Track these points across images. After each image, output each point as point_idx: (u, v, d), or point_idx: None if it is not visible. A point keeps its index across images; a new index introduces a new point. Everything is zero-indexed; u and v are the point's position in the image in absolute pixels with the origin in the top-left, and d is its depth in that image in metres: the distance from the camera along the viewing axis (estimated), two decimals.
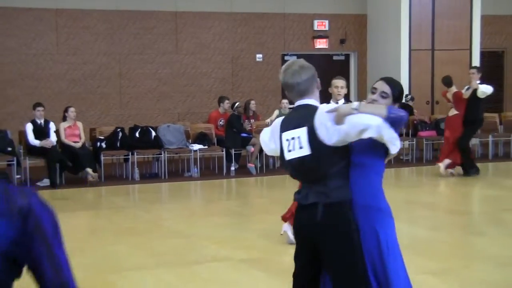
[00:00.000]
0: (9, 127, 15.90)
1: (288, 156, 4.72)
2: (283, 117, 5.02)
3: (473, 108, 15.48)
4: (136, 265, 8.45)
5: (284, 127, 4.78)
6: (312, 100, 4.82)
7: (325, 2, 21.25)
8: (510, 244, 9.55)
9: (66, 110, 15.66)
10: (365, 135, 4.56)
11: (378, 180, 4.89)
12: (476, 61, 21.00)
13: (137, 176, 16.06)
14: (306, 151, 4.60)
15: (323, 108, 4.78)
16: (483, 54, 21.43)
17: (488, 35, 21.73)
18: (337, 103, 8.53)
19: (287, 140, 4.72)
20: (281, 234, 9.13)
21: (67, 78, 18.35)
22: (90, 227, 11.60)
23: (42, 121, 15.28)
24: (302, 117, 4.74)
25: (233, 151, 16.72)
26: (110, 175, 16.19)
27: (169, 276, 7.99)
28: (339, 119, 4.54)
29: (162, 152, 16.41)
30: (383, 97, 4.88)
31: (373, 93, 4.96)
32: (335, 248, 4.68)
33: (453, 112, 15.91)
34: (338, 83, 9.25)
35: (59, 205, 13.09)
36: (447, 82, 16.34)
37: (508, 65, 23.24)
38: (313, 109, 4.77)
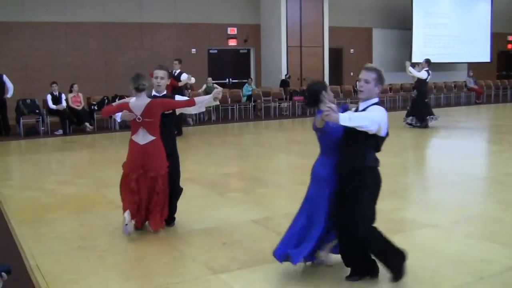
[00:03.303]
0: (37, 97, 15.60)
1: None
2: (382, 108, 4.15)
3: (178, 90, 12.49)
4: (118, 182, 8.45)
5: None
6: None
7: (235, 16, 21.23)
8: None
9: (72, 86, 15.50)
10: None
11: None
12: (326, 55, 21.47)
13: (117, 127, 15.88)
14: None
15: None
16: (330, 50, 21.71)
17: (333, 38, 21.88)
18: (160, 94, 5.92)
19: None
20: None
21: (72, 66, 18.06)
22: (89, 159, 11.51)
23: (57, 93, 15.04)
24: None
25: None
26: (100, 127, 15.95)
27: None
28: None
29: None
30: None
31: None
32: None
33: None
34: (158, 73, 5.91)
35: (69, 146, 13.14)
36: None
37: (344, 56, 23.71)
38: None
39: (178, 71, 13.72)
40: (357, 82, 4.22)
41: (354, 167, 4.17)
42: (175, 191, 6.03)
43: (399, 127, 14.81)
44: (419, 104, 15.01)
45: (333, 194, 4.34)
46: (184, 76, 13.62)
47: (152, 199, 5.71)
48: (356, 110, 4.29)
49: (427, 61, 15.10)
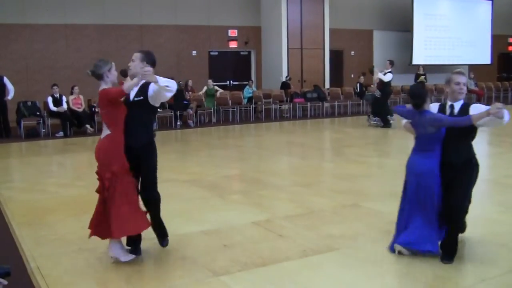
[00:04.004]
0: (37, 99, 15.65)
1: None
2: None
3: None
4: None
5: None
6: None
7: (235, 18, 21.24)
8: (347, 166, 9.75)
9: (72, 88, 15.53)
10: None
11: None
12: (326, 57, 21.47)
13: None
14: None
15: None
16: (330, 52, 21.73)
17: (333, 40, 21.91)
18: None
19: None
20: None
21: (72, 68, 18.04)
22: (89, 162, 11.33)
23: (58, 95, 15.08)
24: None
25: (178, 113, 16.72)
26: (101, 128, 15.90)
27: None
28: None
29: None
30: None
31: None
32: None
33: None
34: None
35: (70, 148, 13.16)
36: (123, 73, 12.53)
37: (345, 58, 23.72)
38: None
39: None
40: (456, 86, 4.84)
41: (467, 159, 4.85)
42: (146, 199, 5.12)
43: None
44: (381, 104, 15.71)
45: (439, 184, 4.87)
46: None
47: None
48: (452, 110, 4.87)
49: (391, 62, 15.78)
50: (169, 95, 5.03)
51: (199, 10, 20.53)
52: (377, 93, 15.82)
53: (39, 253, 5.32)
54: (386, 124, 15.52)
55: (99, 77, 5.10)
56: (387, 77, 15.38)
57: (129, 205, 4.85)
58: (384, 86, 15.55)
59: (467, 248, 5.22)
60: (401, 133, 14.83)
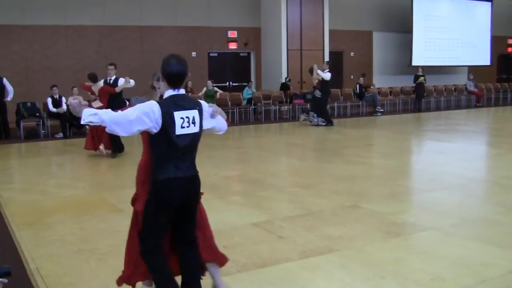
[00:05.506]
0: (37, 100, 15.65)
1: None
2: None
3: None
4: (118, 186, 8.40)
5: None
6: None
7: (235, 19, 21.24)
8: (346, 167, 9.71)
9: (72, 89, 15.54)
10: None
11: None
12: (326, 58, 21.42)
13: None
14: None
15: None
16: (330, 53, 21.70)
17: (333, 41, 21.93)
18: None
19: None
20: None
21: (72, 69, 18.08)
22: (89, 163, 11.40)
23: (57, 96, 15.07)
24: None
25: None
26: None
27: None
28: None
29: None
30: None
31: None
32: None
33: (97, 104, 11.84)
34: None
35: (69, 149, 13.13)
36: (93, 78, 12.33)
37: (345, 59, 23.72)
38: None
39: (113, 77, 12.15)
40: None
41: None
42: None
43: (366, 125, 14.68)
44: (322, 104, 16.52)
45: None
46: (121, 81, 11.88)
47: None
48: None
49: (327, 63, 16.87)
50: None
51: (199, 11, 20.54)
52: (317, 93, 16.42)
53: (38, 254, 5.32)
54: (329, 122, 16.52)
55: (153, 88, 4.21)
56: (327, 75, 16.04)
57: None
58: (324, 85, 16.22)
59: (466, 248, 5.22)
60: (400, 134, 14.88)
